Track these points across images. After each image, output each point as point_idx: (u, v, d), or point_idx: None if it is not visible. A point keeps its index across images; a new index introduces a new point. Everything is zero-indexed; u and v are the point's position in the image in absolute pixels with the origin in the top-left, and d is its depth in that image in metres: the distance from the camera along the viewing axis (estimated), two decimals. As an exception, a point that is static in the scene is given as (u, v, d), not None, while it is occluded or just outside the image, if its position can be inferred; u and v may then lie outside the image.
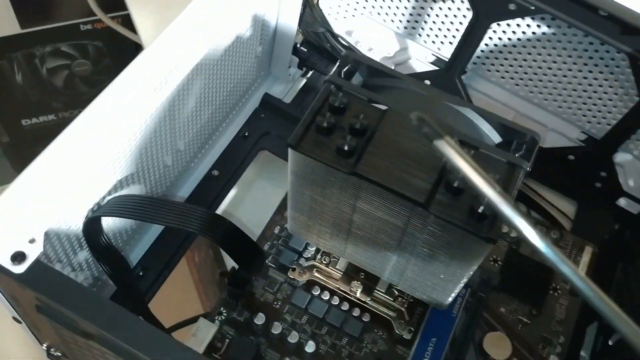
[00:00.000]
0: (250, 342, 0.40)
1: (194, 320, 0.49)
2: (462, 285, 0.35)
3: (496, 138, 0.33)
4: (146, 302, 0.41)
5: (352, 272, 0.43)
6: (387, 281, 0.41)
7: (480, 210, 0.29)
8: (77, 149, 0.30)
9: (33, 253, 0.25)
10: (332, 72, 0.34)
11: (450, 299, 0.37)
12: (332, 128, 0.32)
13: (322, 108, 0.33)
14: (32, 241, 0.26)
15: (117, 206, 0.34)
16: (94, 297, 0.25)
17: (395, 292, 0.42)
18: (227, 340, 0.41)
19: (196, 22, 0.35)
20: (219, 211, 0.48)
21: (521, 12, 0.43)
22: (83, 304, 0.24)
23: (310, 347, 0.41)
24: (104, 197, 0.34)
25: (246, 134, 0.50)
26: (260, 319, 0.41)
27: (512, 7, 0.43)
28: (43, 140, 0.90)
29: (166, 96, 0.34)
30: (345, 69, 0.35)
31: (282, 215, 0.46)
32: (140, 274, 0.43)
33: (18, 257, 0.25)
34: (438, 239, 0.32)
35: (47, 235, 0.27)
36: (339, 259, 0.43)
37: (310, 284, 0.43)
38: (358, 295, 0.42)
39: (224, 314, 0.42)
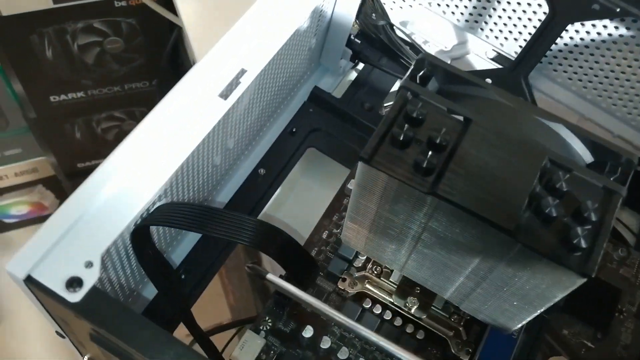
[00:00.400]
0: (298, 357, 0.38)
1: (233, 325, 0.47)
2: (537, 314, 0.32)
3: (588, 158, 0.30)
4: (189, 307, 0.39)
5: (406, 286, 0.40)
6: (445, 299, 0.39)
7: (575, 242, 0.26)
8: (135, 160, 0.27)
9: (90, 279, 0.23)
10: (406, 77, 0.31)
11: (519, 326, 0.34)
12: (409, 141, 0.29)
13: (398, 118, 0.30)
14: (88, 265, 0.23)
15: (167, 215, 0.31)
16: (158, 333, 0.23)
17: (452, 308, 0.40)
18: (272, 352, 0.38)
19: (260, 22, 0.32)
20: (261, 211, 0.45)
21: (605, 14, 0.39)
22: (146, 340, 0.22)
23: (360, 365, 0.38)
24: (153, 203, 0.32)
25: (294, 130, 0.47)
26: (308, 332, 0.39)
27: (595, 7, 0.39)
28: (70, 118, 0.88)
29: (232, 101, 0.31)
30: (420, 74, 0.32)
31: (330, 219, 0.43)
32: (182, 277, 0.41)
33: (74, 283, 0.22)
34: (521, 268, 0.29)
35: (102, 256, 0.24)
36: (392, 271, 0.41)
37: (360, 296, 0.40)
38: (413, 311, 0.39)
39: (269, 324, 0.39)
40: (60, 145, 0.96)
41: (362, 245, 0.37)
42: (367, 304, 0.40)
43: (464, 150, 0.29)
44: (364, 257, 0.41)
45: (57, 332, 0.29)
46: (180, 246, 0.41)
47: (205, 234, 0.31)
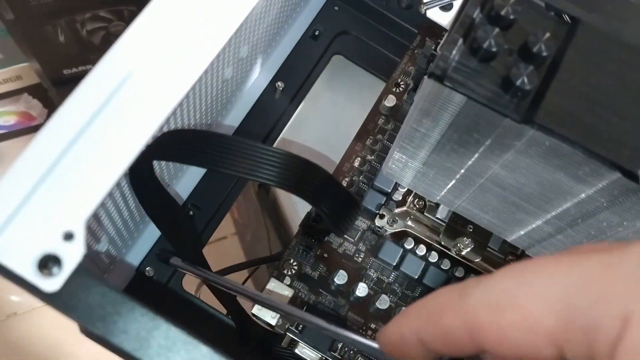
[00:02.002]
0: (329, 307, 0.32)
1: (248, 264, 0.41)
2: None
3: None
4: (201, 248, 0.33)
5: (457, 224, 0.34)
6: (502, 237, 0.33)
7: None
8: (131, 75, 0.20)
9: (71, 256, 0.16)
10: (485, -40, 0.23)
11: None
12: (496, 50, 0.21)
13: (479, 17, 0.22)
14: (68, 237, 0.16)
15: (173, 146, 0.24)
16: (169, 330, 0.16)
17: (508, 247, 0.34)
18: (298, 300, 0.33)
19: None
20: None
21: None
22: (153, 339, 0.15)
23: (403, 315, 0.33)
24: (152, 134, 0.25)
25: (316, 33, 0.39)
26: (341, 278, 0.33)
27: None
28: (51, 18, 0.77)
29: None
30: (505, -44, 0.23)
31: (363, 144, 0.36)
32: (191, 213, 0.34)
33: (49, 263, 0.16)
34: (636, 217, 0.22)
35: (88, 222, 0.17)
36: (437, 205, 0.34)
37: (400, 235, 0.34)
38: (464, 253, 0.33)
39: (294, 268, 0.34)
40: (43, 49, 0.86)
41: (409, 180, 0.31)
42: (409, 245, 0.34)
43: (570, 62, 0.21)
44: (404, 189, 0.35)
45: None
46: (185, 177, 0.34)
47: (222, 172, 0.24)
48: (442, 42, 0.22)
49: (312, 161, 0.25)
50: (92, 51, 0.91)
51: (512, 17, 0.21)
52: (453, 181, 0.28)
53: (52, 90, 1.07)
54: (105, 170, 0.17)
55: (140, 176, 0.25)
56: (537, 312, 0.15)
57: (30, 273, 0.16)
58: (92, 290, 0.16)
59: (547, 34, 0.21)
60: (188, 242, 0.30)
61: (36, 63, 0.96)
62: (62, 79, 1.01)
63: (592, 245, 0.16)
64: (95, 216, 0.20)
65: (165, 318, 0.16)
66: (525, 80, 0.20)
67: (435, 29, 0.36)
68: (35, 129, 0.69)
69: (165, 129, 0.26)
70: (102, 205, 0.20)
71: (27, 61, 0.96)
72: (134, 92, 0.19)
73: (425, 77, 0.22)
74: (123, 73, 0.20)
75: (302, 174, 0.25)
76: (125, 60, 0.21)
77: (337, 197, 0.26)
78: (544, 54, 0.21)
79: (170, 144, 0.24)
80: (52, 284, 0.16)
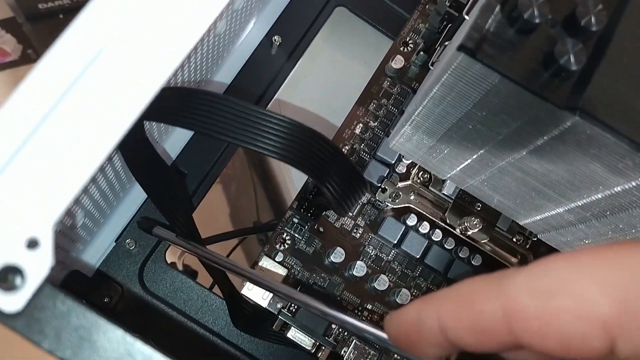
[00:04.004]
0: (322, 285, 0.30)
1: (235, 234, 0.39)
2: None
3: None
4: (191, 213, 0.31)
5: (464, 202, 0.31)
6: (513, 219, 0.30)
7: None
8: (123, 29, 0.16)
9: (36, 269, 0.13)
10: None
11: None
12: (539, 22, 0.18)
13: (519, -20, 0.19)
14: (32, 244, 0.13)
15: (168, 105, 0.21)
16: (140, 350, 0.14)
17: (516, 227, 0.32)
18: (291, 276, 0.31)
19: None
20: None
21: None
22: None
23: (402, 297, 0.31)
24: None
25: (318, -18, 0.35)
26: (338, 256, 0.31)
27: None
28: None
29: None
30: None
31: (366, 108, 0.33)
32: (185, 172, 0.31)
33: (9, 276, 0.13)
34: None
35: (57, 225, 0.14)
36: (444, 182, 0.32)
37: (403, 210, 0.32)
38: (470, 233, 0.31)
39: (287, 242, 0.31)
40: (16, -19, 0.80)
41: (418, 156, 0.28)
42: (412, 221, 0.32)
43: (622, 39, 0.18)
44: (408, 161, 0.32)
45: None
46: (172, 137, 0.31)
47: (219, 139, 0.21)
48: (475, 8, 0.19)
49: (318, 132, 0.22)
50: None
51: (558, -18, 0.18)
52: (468, 161, 0.25)
53: (27, 25, 1.01)
54: (83, 157, 0.14)
55: (131, 141, 0.22)
56: (592, 297, 0.13)
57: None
58: (59, 311, 0.13)
59: (600, 5, 0.18)
60: (178, 208, 0.27)
61: (9, -4, 0.90)
62: (37, 13, 0.95)
63: None
64: (67, 215, 0.17)
65: (159, 346, 0.13)
66: (572, 59, 0.17)
67: (450, -17, 0.32)
68: (9, 65, 0.65)
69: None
70: (77, 200, 0.17)
71: (0, -7, 0.90)
72: (119, 58, 0.16)
73: (454, 49, 0.19)
74: (104, 37, 0.16)
75: (308, 146, 0.22)
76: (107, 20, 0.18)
77: (343, 175, 0.24)
78: (593, 28, 0.18)
79: (165, 102, 0.21)
80: (11, 302, 0.13)
